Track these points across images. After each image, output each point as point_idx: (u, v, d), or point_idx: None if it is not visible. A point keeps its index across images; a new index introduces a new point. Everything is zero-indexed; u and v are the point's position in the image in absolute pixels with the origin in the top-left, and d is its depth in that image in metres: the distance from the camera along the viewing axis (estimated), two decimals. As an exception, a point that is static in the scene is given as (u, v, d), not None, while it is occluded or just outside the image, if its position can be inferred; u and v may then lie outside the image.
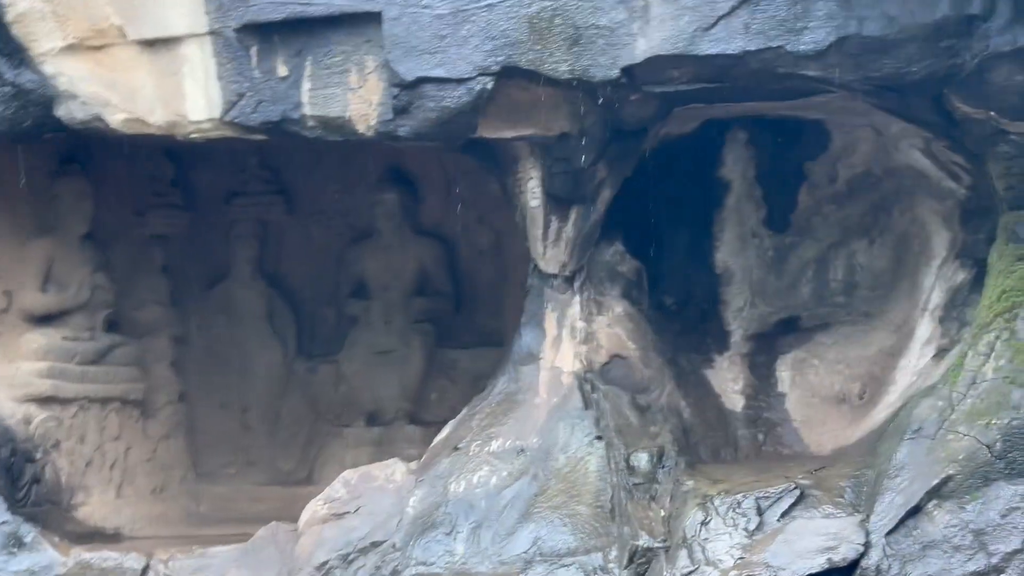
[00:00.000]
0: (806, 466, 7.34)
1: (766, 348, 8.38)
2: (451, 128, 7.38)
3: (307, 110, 7.55)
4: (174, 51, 7.72)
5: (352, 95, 7.46)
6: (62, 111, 7.93)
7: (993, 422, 6.63)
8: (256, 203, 10.48)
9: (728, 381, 8.25)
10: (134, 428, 9.79)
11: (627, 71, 7.06)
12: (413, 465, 7.81)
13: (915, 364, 7.73)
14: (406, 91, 7.31)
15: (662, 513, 6.94)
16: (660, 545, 6.80)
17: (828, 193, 8.48)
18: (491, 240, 10.28)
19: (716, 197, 8.63)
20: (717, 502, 6.80)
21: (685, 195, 8.57)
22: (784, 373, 8.27)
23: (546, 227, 7.87)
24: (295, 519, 9.60)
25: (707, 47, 6.91)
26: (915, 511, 6.54)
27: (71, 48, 7.82)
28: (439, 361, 10.34)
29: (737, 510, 6.73)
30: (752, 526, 6.67)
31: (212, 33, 7.61)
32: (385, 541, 7.36)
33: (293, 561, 7.52)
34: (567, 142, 7.53)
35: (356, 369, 10.38)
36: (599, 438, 7.41)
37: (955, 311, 7.67)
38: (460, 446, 7.67)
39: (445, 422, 10.28)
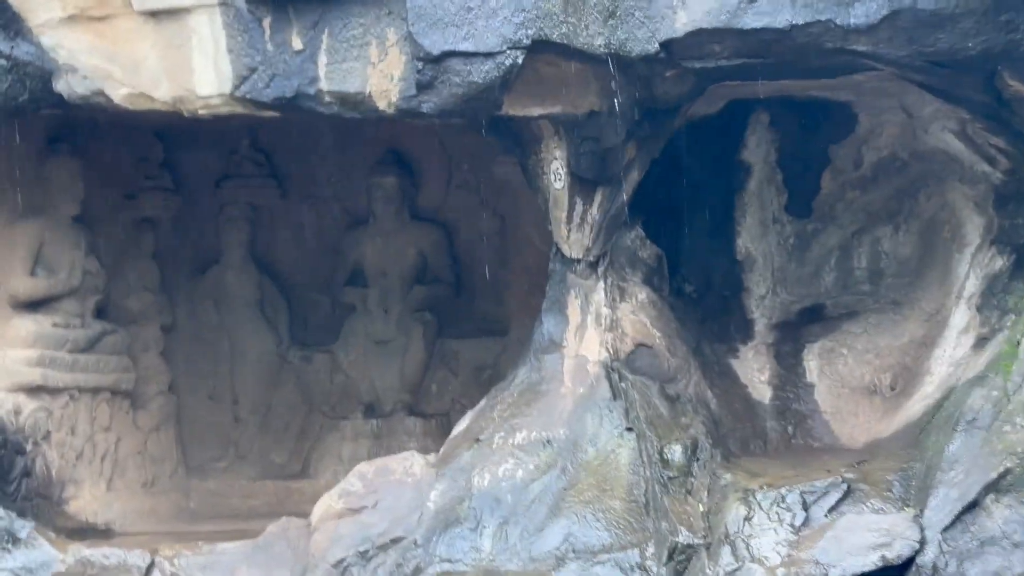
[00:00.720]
0: (844, 459, 7.10)
1: (792, 337, 8.14)
2: (477, 105, 7.05)
3: (324, 85, 7.19)
4: (181, 22, 7.34)
5: (372, 70, 7.11)
6: (61, 85, 7.54)
7: (1054, 412, 6.40)
8: (247, 186, 10.17)
9: (754, 371, 8.01)
10: (124, 419, 9.44)
11: (666, 46, 6.75)
12: (432, 458, 7.49)
13: (951, 354, 7.49)
14: (431, 66, 6.97)
15: (701, 508, 6.65)
16: (701, 541, 6.52)
17: (852, 178, 8.26)
18: (493, 225, 10.03)
19: (737, 181, 8.41)
20: (759, 496, 6.54)
21: (705, 179, 8.32)
22: (812, 363, 8.03)
23: (570, 210, 7.57)
24: (290, 514, 9.28)
25: (751, 20, 6.62)
26: (972, 506, 6.31)
27: (71, 19, 7.42)
28: (440, 351, 10.08)
29: (781, 505, 6.47)
30: (798, 522, 6.42)
31: (222, 4, 7.23)
32: (405, 537, 7.04)
33: (307, 558, 7.19)
34: (596, 120, 7.22)
35: (353, 359, 10.12)
36: (629, 429, 7.12)
37: (994, 299, 7.44)
38: (482, 438, 7.35)
39: (446, 414, 10.09)
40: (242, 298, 10.16)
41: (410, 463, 7.41)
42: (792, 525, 6.41)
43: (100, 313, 9.29)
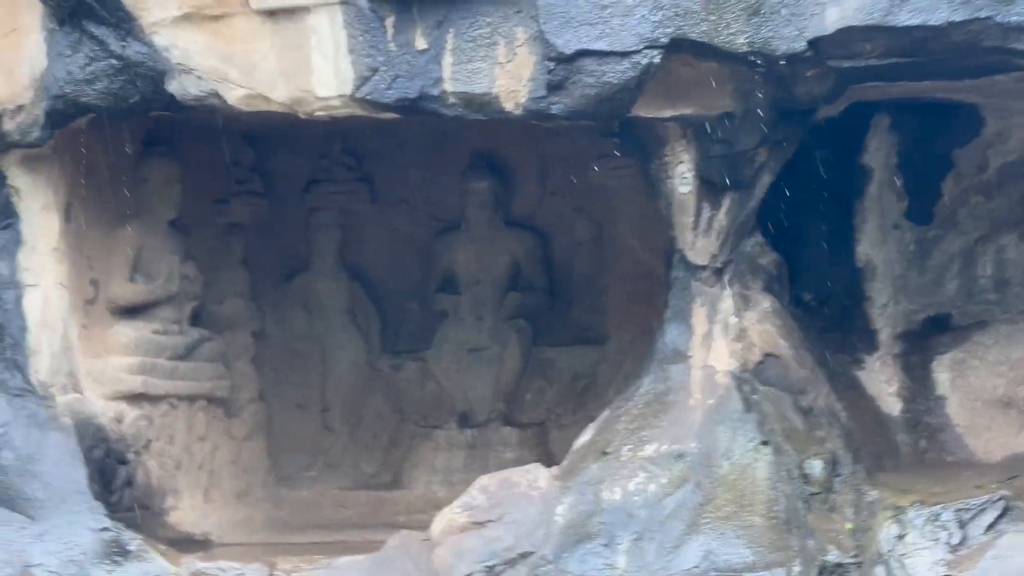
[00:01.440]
0: (987, 475, 6.85)
1: (919, 348, 7.91)
2: (610, 106, 6.82)
3: (448, 86, 6.98)
4: (300, 22, 7.14)
5: (499, 70, 6.90)
6: (174, 86, 7.34)
7: None
8: (338, 191, 9.99)
9: (882, 383, 7.77)
10: (219, 428, 9.27)
11: (813, 44, 6.51)
12: (556, 470, 7.26)
13: (1089, 366, 7.23)
14: (563, 66, 6.75)
15: (848, 525, 6.40)
16: (851, 560, 6.28)
17: (976, 183, 8.04)
18: (589, 232, 9.82)
19: (857, 186, 8.18)
20: (912, 514, 6.29)
21: (823, 183, 8.08)
22: (942, 375, 7.79)
23: (697, 215, 7.34)
24: (385, 525, 9.14)
25: (906, 18, 6.36)
26: None
27: (186, 17, 7.23)
28: (535, 360, 9.87)
29: (936, 523, 6.23)
30: (955, 541, 6.17)
31: (344, 3, 7.03)
32: (534, 552, 6.81)
33: (431, 573, 6.97)
34: (729, 122, 6.99)
35: (445, 367, 9.93)
36: (765, 443, 6.88)
37: None
38: (609, 451, 7.12)
39: (542, 423, 9.89)
40: (332, 305, 9.99)
41: (534, 476, 7.19)
42: (948, 544, 6.17)
43: (194, 319, 9.14)
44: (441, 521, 7.18)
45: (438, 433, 9.82)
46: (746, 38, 6.58)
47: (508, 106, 6.96)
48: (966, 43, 6.41)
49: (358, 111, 7.24)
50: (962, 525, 6.25)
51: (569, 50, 6.72)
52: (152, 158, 8.78)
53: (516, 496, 7.09)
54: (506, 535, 6.92)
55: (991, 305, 7.91)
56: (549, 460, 8.43)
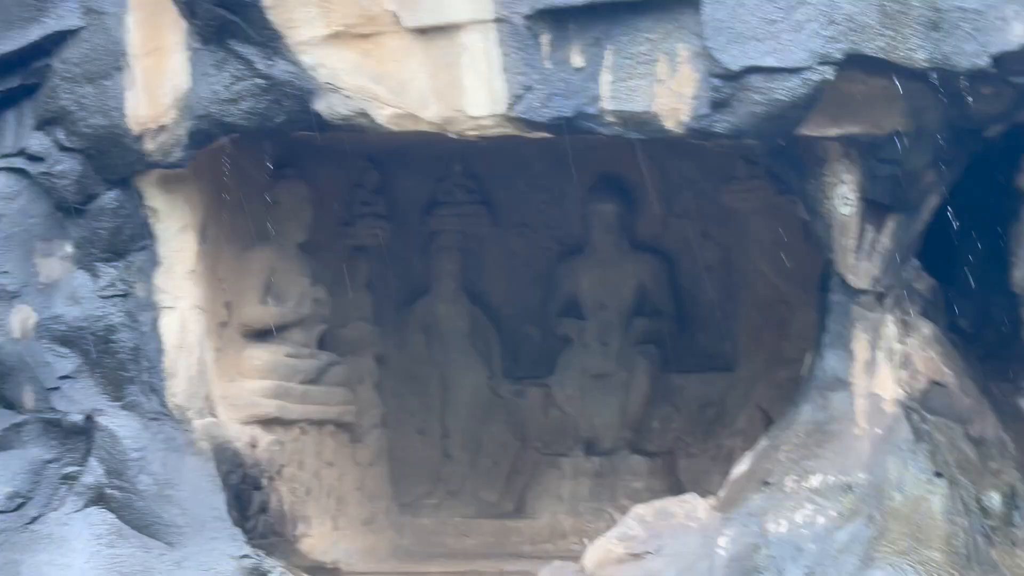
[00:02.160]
0: None
1: (1084, 377, 7.59)
2: (776, 124, 6.61)
3: (606, 104, 6.79)
4: (452, 39, 6.99)
5: (660, 87, 6.70)
6: (322, 106, 7.20)
7: None
8: (459, 213, 9.83)
9: (1047, 413, 7.44)
10: (345, 454, 9.13)
11: (997, 59, 6.28)
12: (714, 500, 7.01)
13: None
14: (728, 82, 6.55)
15: (1034, 562, 6.12)
16: (1042, 598, 6.00)
17: None
18: (717, 256, 9.59)
19: (1012, 208, 7.87)
20: (1103, 550, 6.00)
21: (978, 205, 7.80)
22: (1112, 406, 7.45)
23: (860, 237, 7.08)
24: (511, 555, 8.94)
25: (1098, 32, 6.15)
26: None
27: (335, 36, 7.09)
28: (662, 386, 9.63)
29: None
30: None
31: (498, 20, 6.87)
32: (698, 586, 6.58)
33: (589, 606, 6.75)
34: (898, 141, 6.75)
35: (569, 394, 9.73)
36: (939, 475, 6.60)
37: None
38: (771, 481, 6.86)
39: (670, 452, 9.64)
40: (453, 330, 9.83)
41: (692, 506, 6.96)
42: None
43: (320, 343, 9.00)
44: (596, 552, 6.95)
45: (563, 461, 9.62)
46: (926, 54, 6.35)
47: (669, 124, 6.76)
48: None
49: (510, 130, 7.07)
50: None
51: (736, 67, 6.53)
52: (284, 180, 8.69)
53: (674, 527, 6.86)
54: (667, 567, 6.69)
55: None
56: (679, 490, 8.20)
